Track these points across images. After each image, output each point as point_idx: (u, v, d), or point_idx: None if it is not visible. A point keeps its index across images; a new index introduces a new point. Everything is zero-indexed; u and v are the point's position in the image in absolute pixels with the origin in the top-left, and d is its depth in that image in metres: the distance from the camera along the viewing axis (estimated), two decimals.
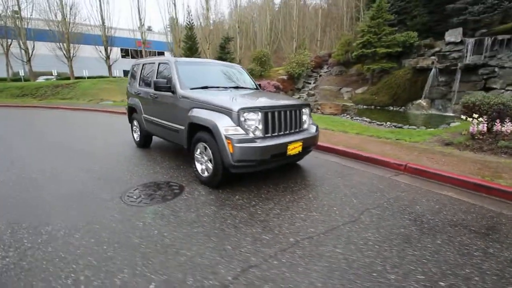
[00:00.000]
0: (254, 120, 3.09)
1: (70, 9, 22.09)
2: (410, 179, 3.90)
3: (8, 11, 22.04)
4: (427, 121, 11.05)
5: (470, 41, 13.59)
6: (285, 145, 3.23)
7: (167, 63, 4.21)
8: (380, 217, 2.72)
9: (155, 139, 5.74)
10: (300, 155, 3.72)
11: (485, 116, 5.02)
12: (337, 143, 5.51)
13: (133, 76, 5.51)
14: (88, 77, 23.52)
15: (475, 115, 5.30)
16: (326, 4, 34.55)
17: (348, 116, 11.20)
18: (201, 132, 3.32)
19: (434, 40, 16.61)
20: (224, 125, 2.98)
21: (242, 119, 3.01)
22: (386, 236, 2.39)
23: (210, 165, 3.28)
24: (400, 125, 7.81)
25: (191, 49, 20.15)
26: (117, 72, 30.60)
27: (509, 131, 4.66)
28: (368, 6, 22.98)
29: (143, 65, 5.10)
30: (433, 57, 15.30)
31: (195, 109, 3.44)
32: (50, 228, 2.41)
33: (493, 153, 4.65)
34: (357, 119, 9.52)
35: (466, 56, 13.74)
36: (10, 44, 23.46)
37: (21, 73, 23.37)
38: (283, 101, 3.47)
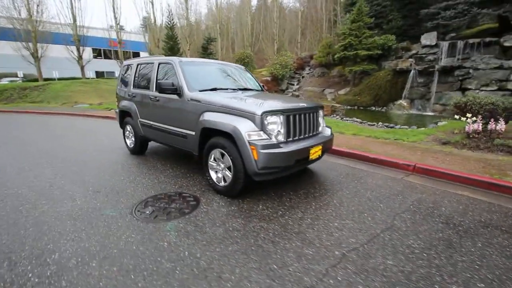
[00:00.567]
0: (276, 124, 2.90)
1: (37, 6, 20.40)
2: (421, 179, 3.91)
3: None
4: (411, 120, 11.48)
5: (444, 44, 14.40)
6: (308, 149, 3.07)
7: (169, 64, 3.89)
8: (413, 221, 2.65)
9: (150, 143, 5.33)
10: (318, 159, 3.59)
11: (479, 116, 5.22)
12: (339, 144, 5.46)
13: (125, 77, 5.08)
14: (59, 79, 21.85)
15: (469, 115, 5.52)
16: (303, 7, 35.17)
17: (337, 116, 11.35)
18: (217, 137, 3.07)
19: (410, 43, 17.43)
20: (247, 130, 2.76)
21: (265, 123, 2.81)
22: (428, 242, 2.31)
23: (228, 173, 3.04)
24: (392, 125, 8.01)
25: (172, 49, 19.44)
26: (90, 73, 28.91)
27: (503, 129, 4.88)
28: (346, 10, 23.70)
29: (137, 65, 4.71)
30: (410, 59, 16.03)
31: (208, 113, 3.18)
32: (57, 256, 2.04)
33: (490, 151, 4.84)
34: (347, 120, 9.65)
35: (441, 59, 14.52)
36: None
37: None
38: (301, 103, 3.32)
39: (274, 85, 20.89)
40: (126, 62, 5.29)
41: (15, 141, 6.21)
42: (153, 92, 4.14)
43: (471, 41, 13.56)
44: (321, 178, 3.87)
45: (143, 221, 2.56)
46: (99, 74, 33.49)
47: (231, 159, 2.91)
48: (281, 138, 2.93)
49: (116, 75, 26.21)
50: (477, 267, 2.00)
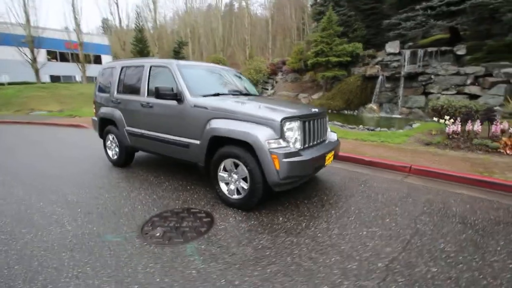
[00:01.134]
0: (294, 131, 2.76)
1: None
2: (420, 180, 4.04)
3: None
4: (383, 123, 12.13)
5: (407, 52, 15.60)
6: (324, 156, 2.98)
7: (165, 67, 3.55)
8: (433, 224, 2.67)
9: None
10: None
11: (458, 118, 5.62)
12: None
13: (106, 82, 4.58)
14: (9, 83, 19.43)
15: (447, 117, 5.93)
16: (271, 14, 35.97)
17: None
18: (230, 146, 2.83)
19: (376, 50, 18.62)
20: (266, 138, 2.57)
21: (284, 129, 2.65)
22: (457, 244, 2.32)
23: (243, 185, 2.81)
24: (372, 127, 8.35)
25: (141, 53, 18.40)
26: (45, 77, 26.26)
27: (479, 130, 5.29)
28: (314, 19, 24.66)
29: (122, 68, 4.26)
30: (377, 66, 17.09)
31: (216, 120, 2.93)
32: None
33: (470, 150, 5.21)
34: (328, 123, 9.86)
35: (404, 65, 15.70)
36: None
37: None
38: (312, 108, 3.23)
39: None
40: (106, 65, 4.78)
41: None
42: (144, 98, 3.75)
43: (429, 49, 14.86)
44: (327, 184, 3.80)
45: (157, 245, 2.23)
46: (55, 79, 30.57)
47: (248, 170, 2.69)
48: (298, 145, 2.79)
49: (77, 79, 24.10)
50: (511, 266, 2.04)
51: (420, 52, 15.24)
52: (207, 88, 3.49)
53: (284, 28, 28.38)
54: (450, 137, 5.70)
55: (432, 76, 12.94)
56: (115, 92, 4.29)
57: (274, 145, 2.58)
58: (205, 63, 4.24)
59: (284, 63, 24.36)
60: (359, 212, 2.90)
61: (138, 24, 19.93)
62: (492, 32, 14.26)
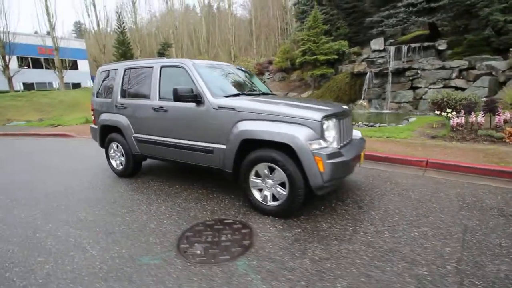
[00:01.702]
0: (332, 130, 2.60)
1: None
2: (440, 174, 4.02)
3: None
4: (374, 118, 12.30)
5: (391, 48, 16.02)
6: (360, 155, 2.86)
7: (179, 67, 3.29)
8: (477, 219, 2.60)
9: None
10: None
11: (462, 110, 5.72)
12: None
13: (106, 86, 4.23)
14: None
15: (449, 110, 6.03)
16: (253, 14, 35.90)
17: None
18: (264, 150, 2.63)
19: (361, 48, 19.01)
20: (308, 139, 2.40)
21: (324, 128, 2.49)
22: (510, 238, 2.26)
23: (281, 191, 2.61)
24: (371, 124, 8.40)
25: (124, 55, 17.59)
26: (17, 85, 24.61)
27: (483, 121, 5.41)
28: (297, 18, 24.82)
29: (125, 70, 3.93)
30: (364, 63, 17.43)
31: (246, 122, 2.72)
32: None
33: (476, 141, 5.30)
34: None
35: (390, 62, 16.11)
36: None
37: None
38: (342, 105, 3.09)
39: None
40: (104, 68, 4.42)
41: None
42: (156, 101, 3.46)
43: (413, 45, 15.33)
44: (353, 183, 3.69)
45: (202, 265, 1.99)
46: (28, 86, 28.74)
47: (286, 174, 2.50)
48: (335, 144, 2.64)
49: (54, 86, 22.72)
50: None
51: (404, 48, 15.70)
52: (226, 88, 3.27)
53: (268, 27, 28.40)
54: (454, 129, 5.80)
55: (419, 71, 13.31)
56: (119, 97, 3.95)
57: (315, 146, 2.41)
58: (216, 62, 4.00)
59: (270, 62, 24.34)
60: (399, 211, 2.79)
61: (119, 26, 19.03)
62: (470, 27, 14.94)
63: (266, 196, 2.73)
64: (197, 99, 3.01)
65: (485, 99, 6.30)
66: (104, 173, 4.43)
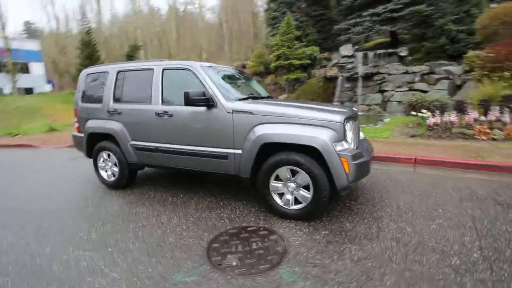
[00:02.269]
0: (350, 131, 2.67)
1: None
2: (428, 169, 4.34)
3: None
4: None
5: (359, 54, 17.07)
6: (373, 156, 2.96)
7: (186, 69, 3.13)
8: (483, 212, 2.75)
9: None
10: None
11: (437, 111, 6.26)
12: None
13: (95, 89, 3.89)
14: None
15: (424, 110, 6.55)
16: (224, 18, 35.85)
17: None
18: (287, 153, 2.60)
19: (330, 53, 19.94)
20: (332, 141, 2.43)
21: (346, 130, 2.54)
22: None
23: (304, 193, 2.60)
24: None
25: (90, 57, 16.27)
26: None
27: (456, 120, 5.97)
28: (269, 24, 25.32)
29: (118, 73, 3.65)
30: (334, 68, 18.30)
31: (264, 126, 2.67)
32: None
33: (451, 138, 5.83)
34: None
35: (358, 67, 17.13)
36: None
37: None
38: (353, 107, 3.19)
39: None
40: (90, 70, 4.06)
41: None
42: (159, 106, 3.26)
43: (378, 52, 16.51)
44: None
45: (245, 276, 1.89)
46: None
47: (311, 177, 2.50)
48: (352, 146, 2.71)
49: (5, 91, 20.26)
50: None
51: (370, 54, 16.85)
52: (236, 91, 3.19)
53: (239, 32, 28.54)
54: (431, 128, 6.31)
55: (386, 76, 14.34)
56: (111, 102, 3.65)
57: (339, 147, 2.45)
58: (215, 65, 3.89)
59: (244, 66, 24.39)
60: (410, 206, 2.94)
61: (84, 26, 17.57)
62: (427, 36, 16.51)
63: (288, 200, 2.70)
64: (209, 102, 2.89)
65: (454, 101, 6.97)
66: (92, 186, 4.04)
